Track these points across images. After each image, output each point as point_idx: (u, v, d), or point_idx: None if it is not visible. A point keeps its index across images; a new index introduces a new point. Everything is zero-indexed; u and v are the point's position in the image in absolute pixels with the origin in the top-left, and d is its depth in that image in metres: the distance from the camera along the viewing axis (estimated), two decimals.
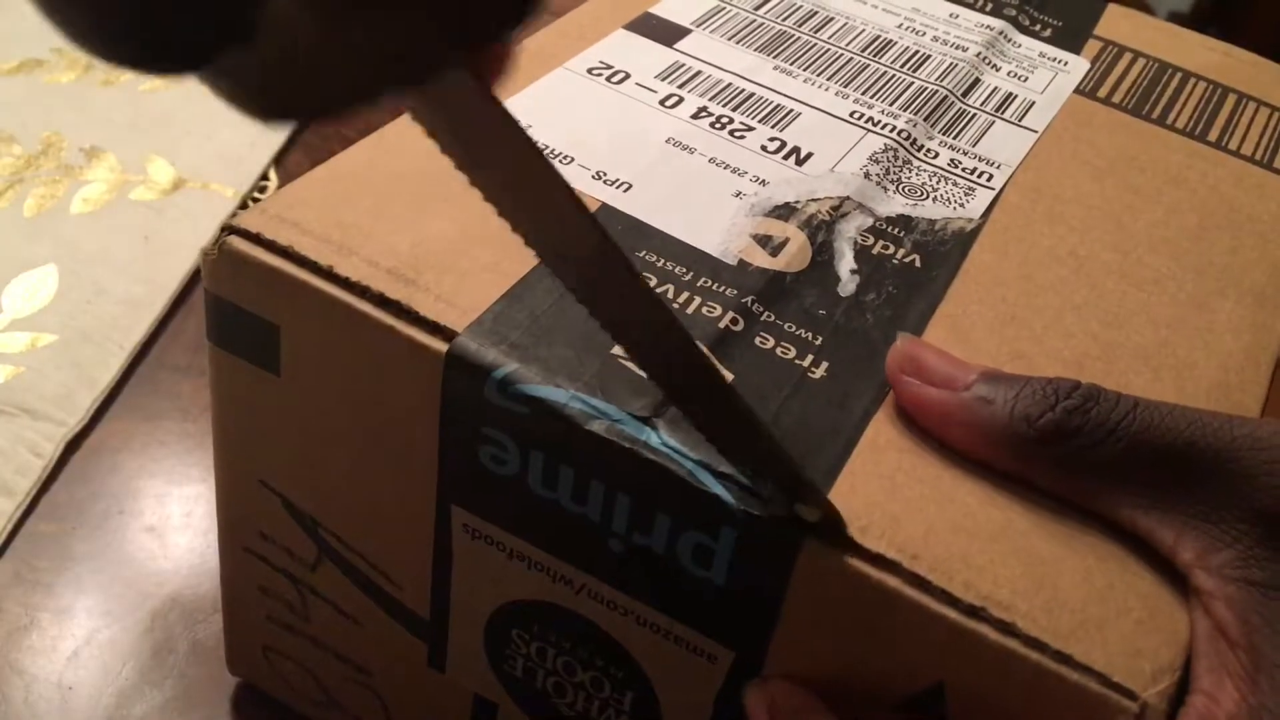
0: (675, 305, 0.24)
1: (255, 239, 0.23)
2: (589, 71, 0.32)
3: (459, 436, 0.23)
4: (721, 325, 0.24)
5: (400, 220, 0.25)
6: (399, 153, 0.27)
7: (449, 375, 0.22)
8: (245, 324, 0.24)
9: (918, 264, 0.27)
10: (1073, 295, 0.27)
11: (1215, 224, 0.31)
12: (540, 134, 0.29)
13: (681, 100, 0.31)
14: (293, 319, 0.24)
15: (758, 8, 0.37)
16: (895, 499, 0.21)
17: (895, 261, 0.27)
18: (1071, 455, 0.21)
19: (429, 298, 0.23)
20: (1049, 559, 0.21)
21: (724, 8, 0.36)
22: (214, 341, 0.25)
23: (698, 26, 0.35)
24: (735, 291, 0.25)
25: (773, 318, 0.25)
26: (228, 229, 0.23)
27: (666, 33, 0.34)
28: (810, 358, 0.24)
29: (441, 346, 0.22)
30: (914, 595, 0.20)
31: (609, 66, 0.32)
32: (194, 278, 0.45)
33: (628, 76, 0.32)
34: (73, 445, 0.38)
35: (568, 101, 0.30)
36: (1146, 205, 0.31)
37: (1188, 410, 0.21)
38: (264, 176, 0.50)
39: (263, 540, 0.28)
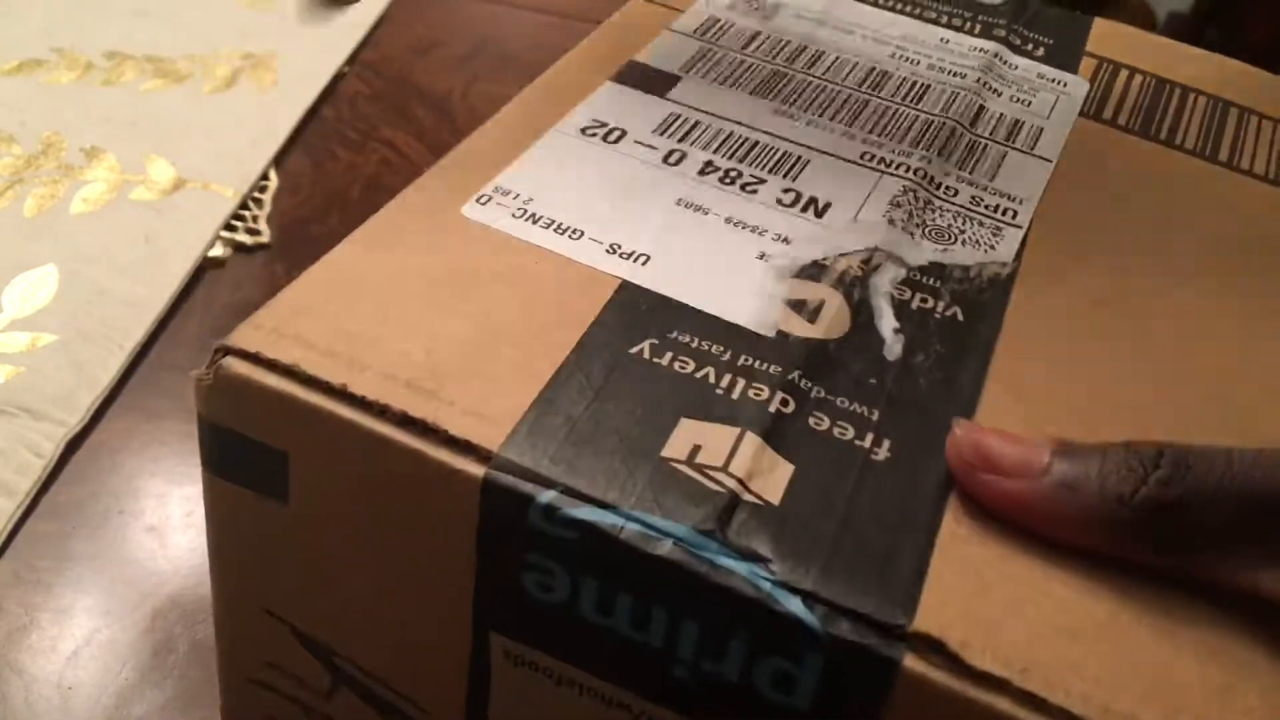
0: (719, 391, 0.22)
1: (255, 359, 0.21)
2: (583, 132, 0.29)
3: (498, 563, 0.21)
4: (772, 409, 0.22)
5: (411, 323, 0.22)
6: (394, 246, 0.25)
7: (487, 502, 0.20)
8: (248, 452, 0.22)
9: (960, 317, 0.26)
10: (1121, 339, 0.26)
11: (1249, 248, 0.30)
12: (544, 208, 0.26)
13: (685, 155, 0.29)
14: (303, 444, 0.21)
15: (744, 47, 0.35)
16: (990, 601, 0.19)
17: (937, 316, 0.25)
18: (1175, 529, 0.20)
19: (455, 411, 0.20)
20: (1160, 658, 0.19)
21: (711, 50, 0.34)
22: (212, 470, 0.23)
23: (687, 72, 0.33)
24: (779, 368, 0.23)
25: (823, 393, 0.23)
26: (222, 350, 0.21)
27: (657, 82, 0.32)
28: (870, 436, 0.22)
29: (477, 470, 0.20)
30: (1029, 718, 0.18)
31: (603, 124, 0.30)
32: (194, 278, 0.44)
33: (624, 134, 0.30)
34: (73, 445, 0.38)
35: (565, 167, 0.28)
36: (1176, 233, 0.30)
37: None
38: (264, 176, 0.50)
39: (270, 669, 0.26)
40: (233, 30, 0.58)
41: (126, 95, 0.52)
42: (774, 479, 0.21)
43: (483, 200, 0.26)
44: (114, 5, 0.59)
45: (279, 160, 0.51)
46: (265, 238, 0.47)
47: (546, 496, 0.19)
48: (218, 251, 0.45)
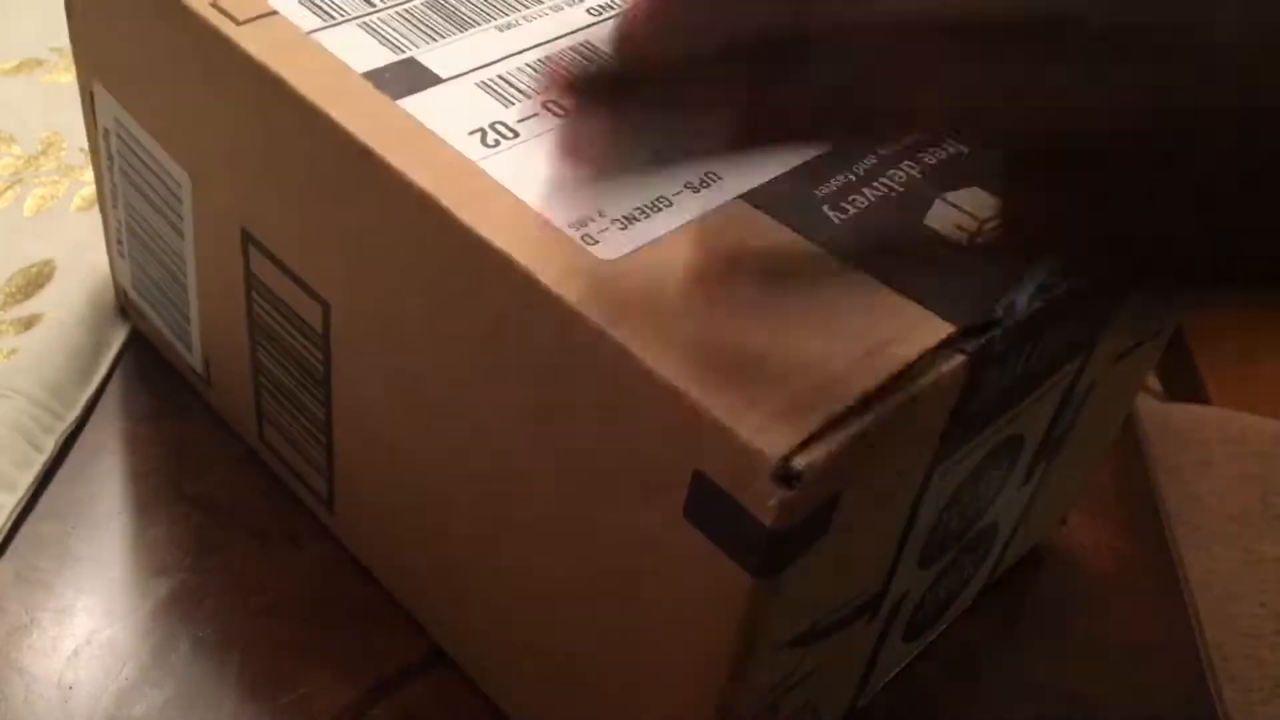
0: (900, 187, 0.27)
1: None
2: (484, 144, 0.27)
3: None
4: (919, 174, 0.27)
5: None
6: None
7: None
8: None
9: None
10: None
11: None
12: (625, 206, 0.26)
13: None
14: None
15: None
16: None
17: None
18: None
19: None
20: None
21: (374, 22, 0.31)
22: None
23: (418, 48, 0.30)
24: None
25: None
26: None
27: (421, 76, 0.29)
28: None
29: None
30: None
31: (481, 129, 0.27)
32: None
33: (505, 126, 0.27)
34: (72, 444, 0.39)
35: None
36: None
37: None
38: None
39: None
40: None
41: None
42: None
43: None
44: None
45: None
46: None
47: None
48: None
